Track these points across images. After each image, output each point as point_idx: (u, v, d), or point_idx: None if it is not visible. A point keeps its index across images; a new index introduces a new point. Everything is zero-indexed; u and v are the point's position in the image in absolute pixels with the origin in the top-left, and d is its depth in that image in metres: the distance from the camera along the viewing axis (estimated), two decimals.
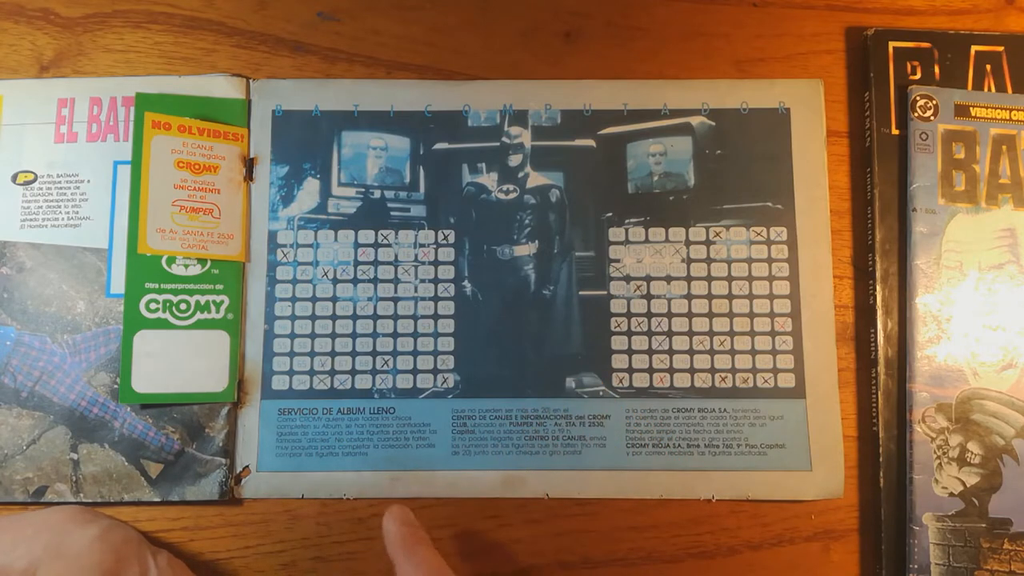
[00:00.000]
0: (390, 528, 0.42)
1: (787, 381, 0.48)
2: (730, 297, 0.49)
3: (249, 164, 0.50)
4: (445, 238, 0.50)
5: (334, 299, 0.49)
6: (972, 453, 0.47)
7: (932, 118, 0.49)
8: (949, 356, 0.48)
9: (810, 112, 0.50)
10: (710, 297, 0.49)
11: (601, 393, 0.48)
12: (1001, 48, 0.50)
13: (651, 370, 0.48)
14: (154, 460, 0.47)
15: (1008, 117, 0.49)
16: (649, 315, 0.49)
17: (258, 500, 0.48)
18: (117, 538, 0.42)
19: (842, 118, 0.51)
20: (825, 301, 0.49)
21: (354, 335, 0.49)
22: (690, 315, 0.49)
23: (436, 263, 0.49)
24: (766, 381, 0.48)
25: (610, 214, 0.50)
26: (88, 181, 0.49)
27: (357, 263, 0.49)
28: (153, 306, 0.48)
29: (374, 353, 0.49)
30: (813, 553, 0.48)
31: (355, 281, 0.49)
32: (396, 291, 0.49)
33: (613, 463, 0.48)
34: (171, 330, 0.48)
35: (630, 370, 0.48)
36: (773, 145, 0.50)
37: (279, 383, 0.49)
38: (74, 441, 0.47)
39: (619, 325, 0.49)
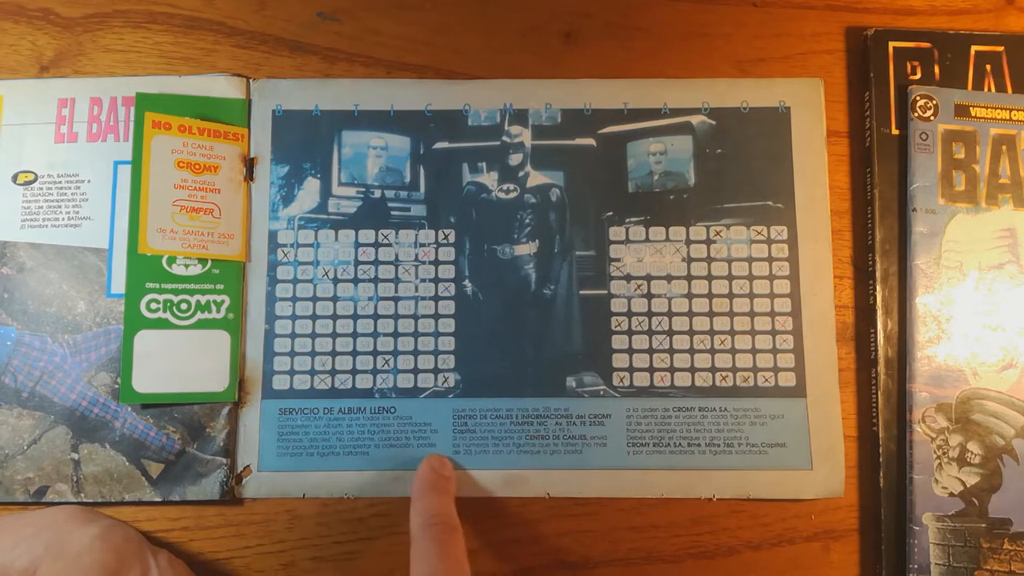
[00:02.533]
0: (419, 469, 0.45)
1: (788, 380, 0.48)
2: (731, 296, 0.49)
3: (249, 164, 0.50)
4: (445, 237, 0.50)
5: (335, 299, 0.49)
6: (972, 453, 0.47)
7: (932, 118, 0.49)
8: (949, 356, 0.48)
9: (810, 111, 0.50)
10: (711, 296, 0.49)
11: (602, 392, 0.48)
12: (1001, 48, 0.50)
13: (652, 369, 0.48)
14: (155, 460, 0.47)
15: (1008, 117, 0.49)
16: (650, 314, 0.49)
17: (259, 500, 0.48)
18: (118, 537, 0.42)
19: (842, 118, 0.51)
20: (825, 299, 0.49)
21: (355, 335, 0.49)
22: (691, 314, 0.49)
23: (436, 262, 0.49)
24: (767, 380, 0.48)
25: (610, 213, 0.50)
26: (88, 181, 0.49)
27: (358, 263, 0.49)
28: (154, 306, 0.48)
29: (375, 353, 0.49)
30: (813, 553, 0.48)
31: (356, 281, 0.49)
32: (397, 290, 0.49)
33: (614, 462, 0.48)
34: (172, 330, 0.48)
35: (631, 369, 0.48)
36: (773, 144, 0.50)
37: (280, 383, 0.49)
38: (75, 441, 0.47)
39: (620, 324, 0.49)
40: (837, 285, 0.49)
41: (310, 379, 0.48)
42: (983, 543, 0.46)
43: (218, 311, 0.48)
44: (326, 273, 0.49)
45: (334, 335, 0.49)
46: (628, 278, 0.49)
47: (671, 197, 0.50)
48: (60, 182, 0.49)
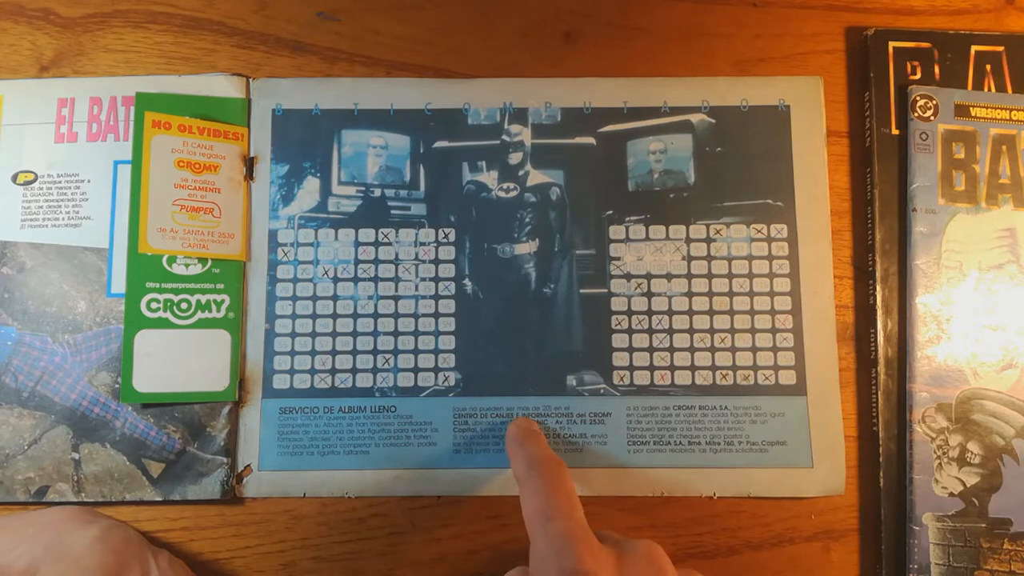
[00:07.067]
0: (507, 431, 0.45)
1: (788, 378, 0.48)
2: (731, 294, 0.49)
3: (249, 163, 0.50)
4: (446, 236, 0.50)
5: (335, 298, 0.49)
6: (972, 453, 0.47)
7: (932, 118, 0.49)
8: (949, 356, 0.48)
9: (810, 109, 0.50)
10: (711, 294, 0.49)
11: (602, 391, 0.48)
12: (1001, 48, 0.51)
13: (652, 368, 0.48)
14: (155, 459, 0.47)
15: (1008, 117, 0.49)
16: (650, 313, 0.49)
17: (259, 500, 0.48)
18: (117, 538, 0.42)
19: (842, 118, 0.51)
20: (826, 297, 0.49)
21: (355, 334, 0.49)
22: (691, 312, 0.49)
23: (437, 261, 0.49)
24: (767, 378, 0.48)
25: (611, 212, 0.50)
26: (88, 181, 0.49)
27: (358, 262, 0.49)
28: (154, 305, 0.48)
29: (375, 352, 0.49)
30: (813, 553, 0.48)
31: (356, 280, 0.49)
32: (397, 289, 0.49)
33: (614, 461, 0.48)
34: (172, 329, 0.48)
35: (631, 368, 0.48)
36: (773, 142, 0.50)
37: (280, 382, 0.48)
38: (75, 441, 0.47)
39: (620, 323, 0.49)
40: (837, 285, 0.49)
41: (310, 378, 0.48)
42: (983, 543, 0.46)
43: (218, 310, 0.48)
44: (326, 272, 0.49)
45: (334, 334, 0.49)
46: (628, 277, 0.49)
47: (671, 196, 0.50)
48: (60, 182, 0.49)
